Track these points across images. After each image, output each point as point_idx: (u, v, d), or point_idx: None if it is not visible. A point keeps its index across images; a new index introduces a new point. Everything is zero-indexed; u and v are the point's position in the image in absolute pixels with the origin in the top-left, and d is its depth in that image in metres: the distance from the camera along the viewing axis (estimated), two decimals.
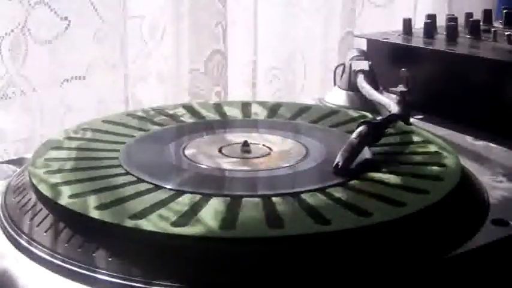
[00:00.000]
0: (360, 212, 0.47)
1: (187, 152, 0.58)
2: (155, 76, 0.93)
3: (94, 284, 0.42)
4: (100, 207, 0.47)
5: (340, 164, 0.53)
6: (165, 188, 0.50)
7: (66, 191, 0.49)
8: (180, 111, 0.69)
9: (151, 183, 0.51)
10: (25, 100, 0.80)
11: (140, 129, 0.64)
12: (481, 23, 0.88)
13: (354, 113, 0.69)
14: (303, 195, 0.49)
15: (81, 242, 0.44)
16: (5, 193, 0.54)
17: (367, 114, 0.68)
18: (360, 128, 0.57)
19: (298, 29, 1.07)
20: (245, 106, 0.71)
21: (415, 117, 0.75)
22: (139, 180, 0.51)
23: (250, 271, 0.42)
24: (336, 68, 0.85)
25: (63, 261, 0.44)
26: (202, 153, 0.58)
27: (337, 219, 0.45)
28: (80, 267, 0.43)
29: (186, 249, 0.43)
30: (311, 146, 0.60)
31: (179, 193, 0.49)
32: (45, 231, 0.46)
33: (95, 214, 0.46)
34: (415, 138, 0.62)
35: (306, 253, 0.43)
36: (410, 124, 0.67)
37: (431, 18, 0.88)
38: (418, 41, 0.85)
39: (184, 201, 0.48)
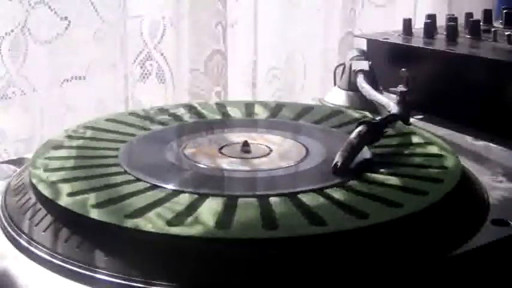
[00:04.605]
0: (357, 214, 0.46)
1: (187, 151, 0.58)
2: (155, 76, 0.93)
3: (93, 283, 0.42)
4: (99, 207, 0.47)
5: (339, 164, 0.53)
6: (165, 188, 0.50)
7: (65, 191, 0.49)
8: (180, 111, 0.69)
9: (149, 183, 0.51)
10: (25, 100, 0.80)
11: (140, 129, 0.64)
12: (481, 23, 0.88)
13: (356, 114, 0.69)
14: (300, 196, 0.49)
15: (81, 242, 0.44)
16: (5, 193, 0.54)
17: (368, 114, 0.68)
18: (359, 128, 0.57)
19: (298, 29, 1.07)
20: (248, 107, 0.71)
21: (415, 117, 0.75)
22: (138, 180, 0.52)
23: (248, 272, 0.42)
24: (336, 68, 0.84)
25: (62, 261, 0.44)
26: (202, 153, 0.58)
27: (333, 221, 0.45)
28: (79, 267, 0.43)
29: (186, 249, 0.43)
30: (311, 146, 0.60)
31: (179, 193, 0.49)
32: (45, 231, 0.46)
33: (94, 214, 0.46)
34: (415, 139, 0.62)
35: (301, 254, 0.43)
36: (410, 124, 0.67)
37: (431, 18, 0.88)
38: (418, 41, 0.85)
39: (184, 201, 0.48)
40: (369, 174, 0.53)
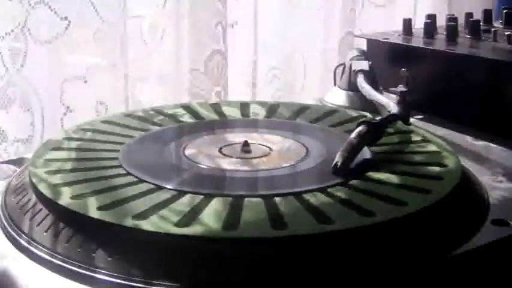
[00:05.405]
0: (363, 212, 0.47)
1: (187, 152, 0.58)
2: (155, 76, 0.93)
3: (94, 284, 0.42)
4: (100, 207, 0.47)
5: (339, 164, 0.53)
6: (166, 188, 0.50)
7: (66, 191, 0.49)
8: (180, 111, 0.69)
9: (152, 184, 0.51)
10: (25, 100, 0.80)
11: (140, 129, 0.64)
12: (481, 23, 0.88)
13: (353, 113, 0.69)
14: (305, 195, 0.49)
15: (81, 242, 0.44)
16: (5, 193, 0.54)
17: (366, 114, 0.68)
18: (359, 128, 0.57)
19: (298, 29, 1.07)
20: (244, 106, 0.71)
21: (415, 117, 0.75)
22: (138, 179, 0.52)
23: (252, 271, 0.42)
24: (336, 68, 0.85)
25: (63, 261, 0.44)
26: (203, 153, 0.58)
27: (340, 219, 0.45)
28: (79, 267, 0.43)
29: (186, 249, 0.43)
30: (311, 146, 0.60)
31: (180, 193, 0.49)
32: (45, 231, 0.46)
33: (94, 214, 0.45)
34: (415, 139, 0.62)
35: (308, 253, 0.43)
36: (410, 124, 0.67)
37: (431, 18, 0.88)
38: (418, 41, 0.85)
39: (185, 202, 0.48)
40: (369, 173, 0.53)
